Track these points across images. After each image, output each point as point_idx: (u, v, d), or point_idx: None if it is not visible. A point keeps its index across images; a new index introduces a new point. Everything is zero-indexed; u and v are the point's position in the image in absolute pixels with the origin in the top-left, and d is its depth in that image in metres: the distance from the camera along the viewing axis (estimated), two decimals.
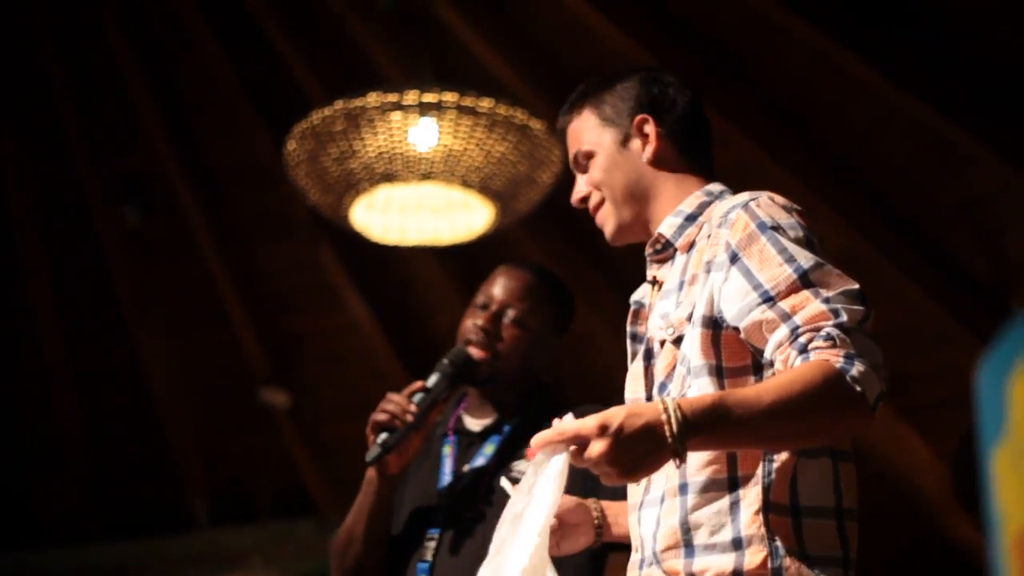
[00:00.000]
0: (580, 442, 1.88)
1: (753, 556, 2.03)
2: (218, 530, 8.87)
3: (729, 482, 2.08)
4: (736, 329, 2.09)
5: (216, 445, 8.74)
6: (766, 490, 2.05)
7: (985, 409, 1.20)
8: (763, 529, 2.03)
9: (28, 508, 9.06)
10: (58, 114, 7.63)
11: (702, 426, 1.87)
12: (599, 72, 6.22)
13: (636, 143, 2.36)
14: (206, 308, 8.31)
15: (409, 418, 2.86)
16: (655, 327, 2.25)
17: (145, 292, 8.33)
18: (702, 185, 2.36)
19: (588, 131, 2.40)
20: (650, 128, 2.34)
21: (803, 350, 1.99)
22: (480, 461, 2.95)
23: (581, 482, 2.45)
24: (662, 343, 2.22)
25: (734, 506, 2.06)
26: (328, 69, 7.11)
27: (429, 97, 4.89)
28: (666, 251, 2.31)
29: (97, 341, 8.57)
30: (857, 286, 2.06)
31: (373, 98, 4.93)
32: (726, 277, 2.11)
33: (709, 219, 2.23)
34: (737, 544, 2.05)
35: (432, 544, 2.89)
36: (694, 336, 2.14)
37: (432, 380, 2.93)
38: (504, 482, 2.51)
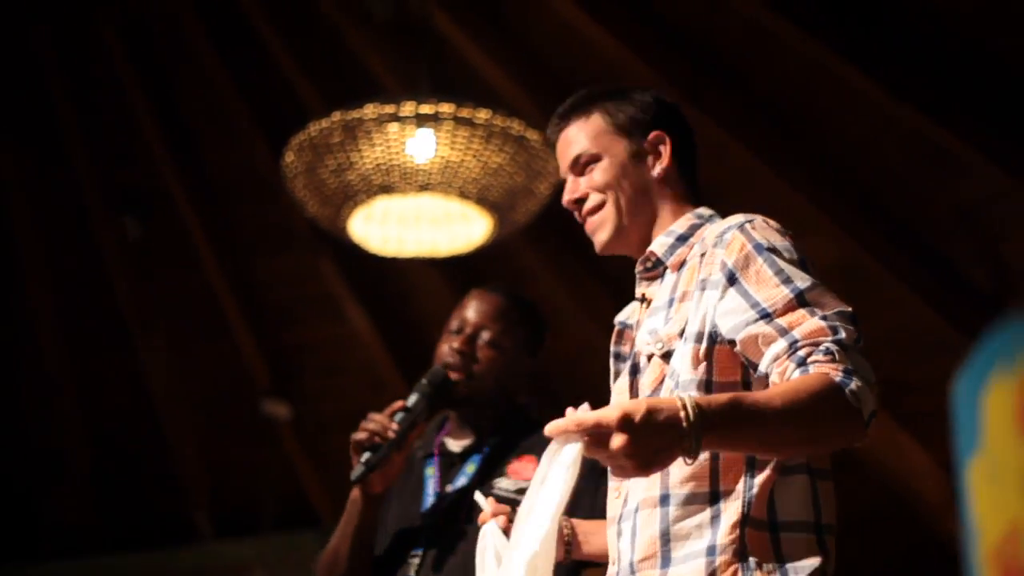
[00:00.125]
0: (600, 432, 1.86)
1: (724, 566, 2.07)
2: (221, 542, 8.86)
3: (711, 496, 2.11)
4: (731, 343, 2.13)
5: (218, 456, 8.74)
6: (746, 505, 2.09)
7: (960, 421, 1.21)
8: (737, 543, 2.07)
9: (30, 519, 9.06)
10: (59, 125, 7.64)
11: (717, 425, 1.88)
12: (597, 83, 6.24)
13: (647, 157, 2.40)
14: (207, 319, 8.32)
15: (391, 435, 2.91)
16: (643, 342, 2.28)
17: (146, 303, 8.33)
18: (693, 208, 2.39)
19: (597, 135, 2.42)
20: (665, 146, 2.39)
21: (802, 363, 2.02)
22: (462, 481, 3.02)
23: None
24: (649, 357, 2.24)
25: (714, 519, 2.10)
26: (327, 80, 7.13)
27: (426, 108, 4.90)
28: (656, 269, 2.35)
29: (99, 352, 8.58)
30: (850, 308, 2.11)
31: (370, 110, 4.94)
32: (722, 295, 2.15)
33: (700, 240, 2.28)
34: (711, 551, 2.08)
35: (415, 562, 2.93)
36: (686, 351, 2.17)
37: (412, 399, 2.99)
38: (478, 496, 2.53)
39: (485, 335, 3.10)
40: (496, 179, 5.08)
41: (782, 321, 2.07)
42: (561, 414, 1.96)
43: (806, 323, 2.06)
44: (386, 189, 5.09)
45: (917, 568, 6.90)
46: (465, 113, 4.91)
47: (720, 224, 2.27)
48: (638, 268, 2.39)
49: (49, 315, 8.41)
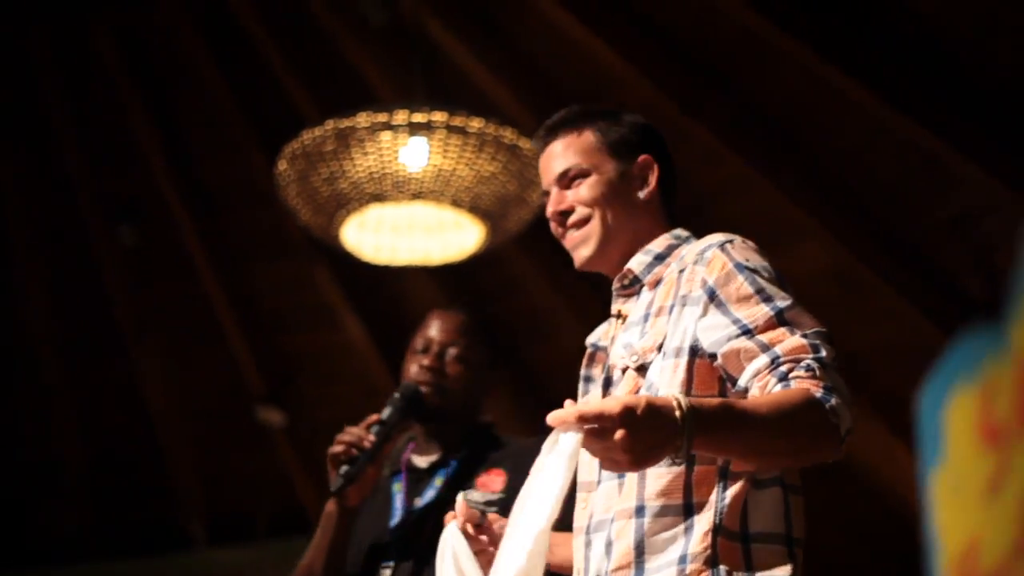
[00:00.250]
0: (600, 423, 1.88)
1: (694, 573, 2.10)
2: (216, 549, 8.86)
3: (684, 508, 2.14)
4: (711, 357, 2.17)
5: (213, 464, 8.74)
6: (718, 515, 2.12)
7: (924, 433, 1.22)
8: (709, 551, 2.10)
9: (26, 527, 9.06)
10: (55, 133, 7.65)
11: (708, 428, 1.92)
12: (592, 91, 6.25)
13: (634, 179, 2.46)
14: (202, 327, 8.32)
15: (367, 445, 2.98)
16: (617, 356, 2.32)
17: (142, 311, 8.34)
18: (670, 229, 2.46)
19: (588, 151, 2.45)
20: (653, 171, 2.47)
21: (783, 378, 2.07)
22: (430, 494, 3.09)
23: None
24: (624, 370, 2.28)
25: (687, 530, 2.13)
26: (322, 88, 7.14)
27: (419, 117, 4.91)
28: (633, 287, 2.40)
29: (94, 360, 8.59)
30: (826, 328, 2.16)
31: (363, 118, 4.95)
32: (704, 312, 2.20)
33: (678, 259, 2.34)
34: (682, 560, 2.11)
35: (387, 574, 2.96)
36: (666, 365, 2.21)
37: (386, 413, 3.06)
38: (460, 498, 2.56)
39: (452, 351, 3.20)
40: (489, 187, 5.09)
41: (763, 338, 2.12)
42: (534, 429, 1.98)
43: (787, 340, 2.10)
44: (379, 197, 5.10)
45: None
46: (458, 122, 4.92)
47: (699, 243, 2.33)
48: (615, 285, 2.42)
49: (45, 323, 8.41)
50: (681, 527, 2.13)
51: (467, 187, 5.06)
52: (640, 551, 2.15)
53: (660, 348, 2.23)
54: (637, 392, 2.22)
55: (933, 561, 1.19)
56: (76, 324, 8.48)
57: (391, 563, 3.01)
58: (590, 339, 2.47)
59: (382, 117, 4.92)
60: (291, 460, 8.42)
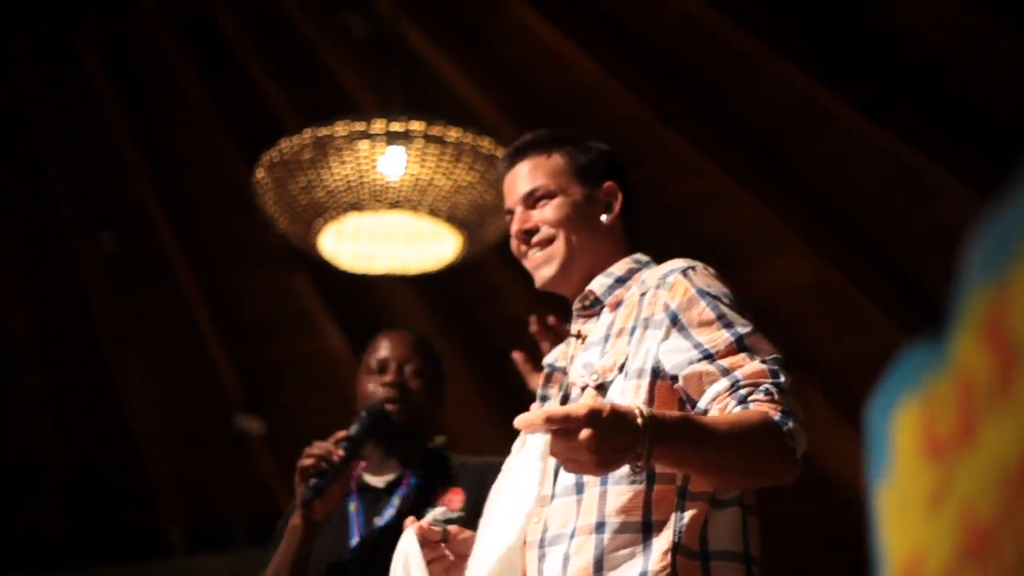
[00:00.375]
0: (567, 425, 1.91)
1: None
2: (194, 557, 8.85)
3: (644, 526, 2.18)
4: (672, 379, 2.22)
5: (192, 471, 8.73)
6: (677, 534, 2.16)
7: (871, 446, 1.22)
8: (669, 568, 2.14)
9: (5, 534, 9.04)
10: (35, 141, 7.64)
11: (668, 439, 1.97)
12: (572, 102, 6.26)
13: (600, 204, 2.51)
14: (182, 335, 8.32)
15: (336, 459, 3.00)
16: (576, 375, 2.37)
17: (122, 319, 8.33)
18: (631, 254, 2.51)
19: (556, 174, 2.50)
20: (618, 197, 2.52)
21: (742, 401, 2.13)
22: (390, 513, 3.11)
23: None
24: (583, 388, 2.33)
25: (647, 548, 2.17)
26: (304, 97, 7.14)
27: (396, 126, 4.91)
28: (593, 308, 2.45)
29: (74, 367, 8.57)
30: (782, 355, 2.22)
31: (341, 127, 4.95)
32: (666, 336, 2.25)
33: (639, 282, 2.39)
34: None
35: None
36: (628, 386, 2.26)
37: (353, 429, 3.09)
38: (430, 515, 2.56)
39: (409, 367, 3.25)
40: (466, 197, 5.09)
41: (724, 362, 2.18)
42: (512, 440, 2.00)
43: (747, 365, 2.16)
44: (356, 206, 5.10)
45: None
46: (436, 131, 4.92)
47: (660, 268, 2.38)
48: (576, 306, 2.47)
49: (24, 330, 8.39)
50: (640, 544, 2.17)
51: (444, 196, 5.06)
52: (599, 567, 2.18)
53: (622, 368, 2.28)
54: None
55: (880, 573, 1.20)
56: (56, 331, 8.46)
57: None
58: (547, 359, 2.52)
59: (360, 126, 4.92)
60: (270, 468, 8.41)
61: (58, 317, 8.43)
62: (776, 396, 2.10)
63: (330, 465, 2.99)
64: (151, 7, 7.10)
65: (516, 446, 2.00)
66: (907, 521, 1.17)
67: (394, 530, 2.94)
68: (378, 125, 4.91)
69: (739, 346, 2.19)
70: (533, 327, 3.10)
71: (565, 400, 2.37)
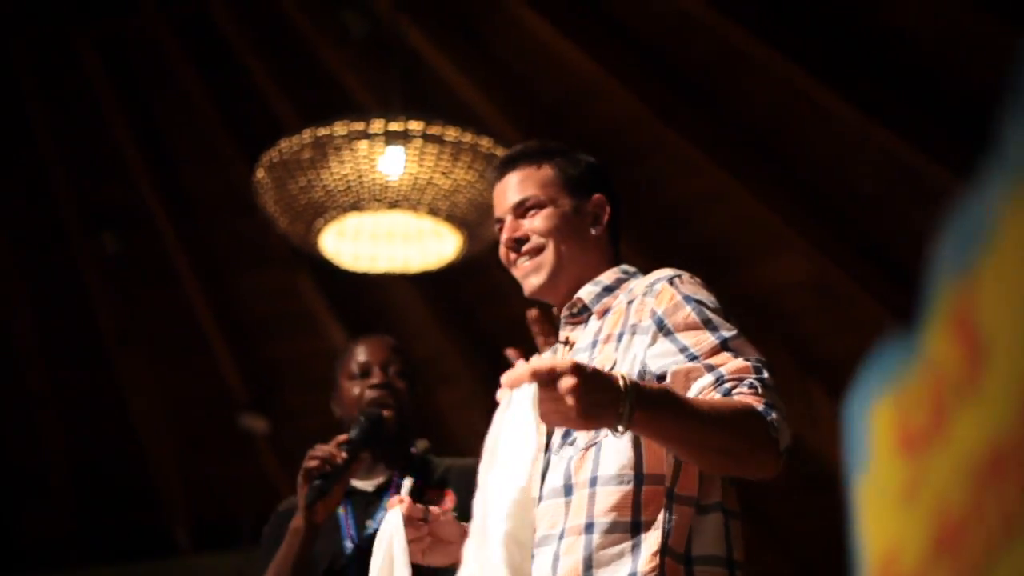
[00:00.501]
0: (552, 377, 1.93)
1: None
2: (200, 556, 8.86)
3: (633, 526, 2.22)
4: (660, 378, 2.26)
5: (197, 471, 8.74)
6: (666, 535, 2.20)
7: (850, 439, 1.23)
8: (657, 570, 2.17)
9: (11, 534, 9.06)
10: (36, 142, 7.65)
11: (648, 405, 2.00)
12: (571, 101, 6.26)
13: (588, 216, 2.56)
14: (186, 335, 8.33)
15: (339, 461, 3.02)
16: None
17: (125, 319, 8.34)
18: (617, 265, 2.57)
19: (546, 185, 2.55)
20: (606, 210, 2.58)
21: (727, 394, 2.17)
22: (382, 516, 3.08)
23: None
24: None
25: (635, 548, 2.20)
26: (304, 97, 7.15)
27: (395, 126, 4.92)
28: (581, 315, 2.50)
29: (78, 368, 8.58)
30: (765, 358, 2.27)
31: (340, 127, 4.96)
32: (652, 341, 2.30)
33: (626, 291, 2.44)
34: None
35: None
36: None
37: (354, 432, 3.12)
38: (406, 482, 2.60)
39: (392, 369, 3.29)
40: (465, 196, 5.11)
41: (709, 361, 2.22)
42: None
43: (731, 362, 2.21)
44: (356, 206, 5.11)
45: None
46: (434, 131, 4.93)
47: (647, 277, 2.44)
48: (564, 313, 2.52)
49: (28, 331, 8.41)
50: (629, 544, 2.20)
51: (444, 195, 5.08)
52: (588, 566, 2.21)
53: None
54: None
55: (857, 567, 1.21)
56: (60, 332, 8.47)
57: None
58: None
59: (359, 126, 4.93)
60: (274, 467, 8.42)
61: (61, 318, 8.44)
62: (760, 390, 2.15)
63: (333, 467, 3.01)
64: (150, 7, 7.11)
65: (502, 404, 2.00)
66: (884, 515, 1.17)
67: None
68: (377, 125, 4.93)
69: (723, 347, 2.24)
70: (533, 313, 3.12)
71: None
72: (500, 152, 5.06)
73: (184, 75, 7.35)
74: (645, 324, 2.31)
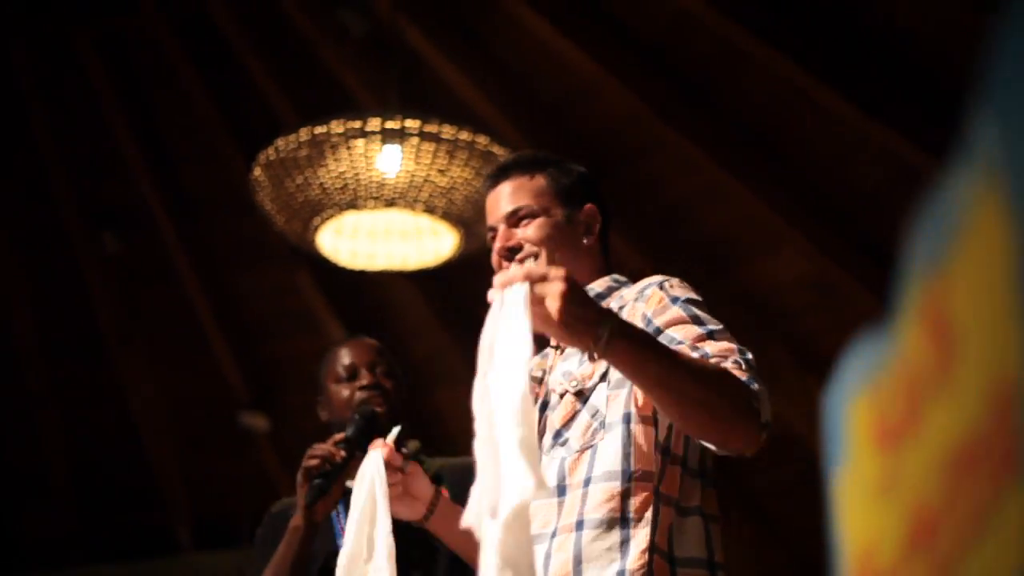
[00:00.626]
0: (545, 279, 1.98)
1: None
2: (201, 554, 8.87)
3: (622, 522, 2.25)
4: None
5: (197, 469, 8.75)
6: (653, 532, 2.23)
7: (829, 433, 1.23)
8: (646, 568, 2.21)
9: (11, 533, 9.07)
10: (37, 143, 7.66)
11: (630, 337, 2.05)
12: (570, 99, 6.25)
13: (580, 225, 2.60)
14: (186, 334, 8.33)
15: (338, 459, 3.02)
16: (556, 382, 2.45)
17: (126, 318, 8.35)
18: (608, 273, 2.62)
19: (539, 194, 2.58)
20: (597, 220, 2.61)
21: None
22: None
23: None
24: (562, 395, 2.41)
25: (624, 544, 2.23)
26: (303, 96, 7.15)
27: (392, 124, 4.92)
28: None
29: (79, 366, 8.59)
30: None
31: (336, 125, 4.97)
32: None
33: (618, 298, 2.49)
34: (620, 575, 2.21)
35: None
36: (612, 394, 2.35)
37: (350, 431, 3.11)
38: (394, 432, 2.64)
39: (379, 369, 3.30)
40: (462, 193, 5.11)
41: (695, 344, 2.27)
42: None
43: (716, 344, 2.25)
44: (353, 204, 5.11)
45: None
46: (431, 128, 4.94)
47: (638, 284, 2.49)
48: None
49: (28, 330, 8.41)
50: (618, 540, 2.23)
51: (441, 193, 5.08)
52: (578, 562, 2.24)
53: (603, 377, 2.36)
54: (574, 416, 2.36)
55: (836, 561, 1.21)
56: (59, 331, 8.48)
57: None
58: None
59: (355, 124, 4.94)
60: (275, 465, 8.43)
61: (62, 318, 8.45)
62: (743, 366, 2.18)
63: (333, 466, 3.01)
64: (150, 7, 7.11)
65: (494, 305, 2.02)
66: (861, 511, 1.18)
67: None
68: (373, 123, 4.93)
69: (709, 337, 2.28)
70: None
71: (544, 406, 2.44)
72: (497, 150, 5.07)
73: (184, 74, 7.36)
74: (636, 325, 2.34)
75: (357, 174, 4.99)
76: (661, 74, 6.24)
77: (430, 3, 6.60)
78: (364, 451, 3.21)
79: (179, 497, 8.85)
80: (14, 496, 9.01)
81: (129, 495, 8.92)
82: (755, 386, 2.15)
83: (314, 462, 3.01)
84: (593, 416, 2.34)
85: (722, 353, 2.22)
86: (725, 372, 2.14)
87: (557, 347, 2.53)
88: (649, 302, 2.37)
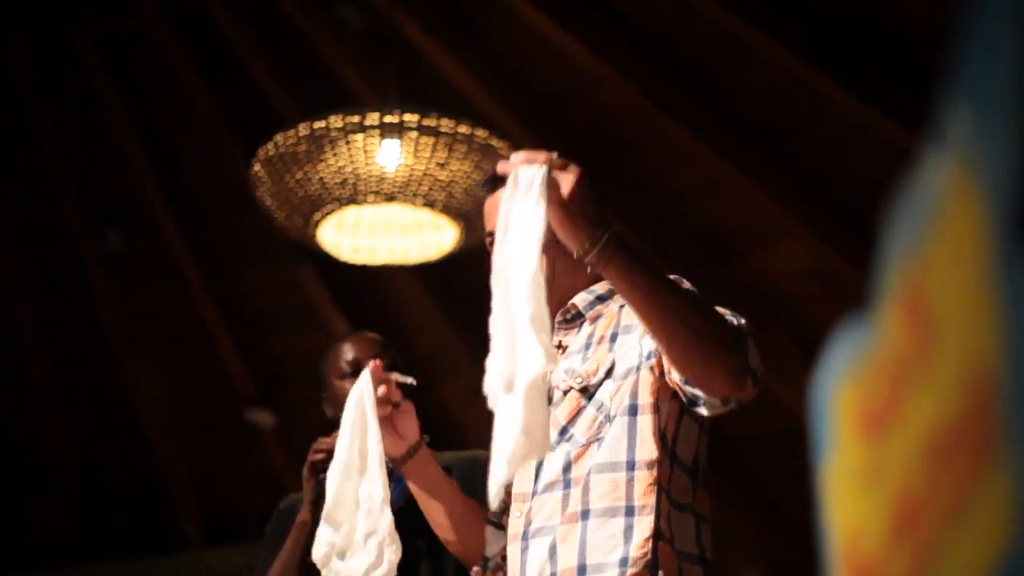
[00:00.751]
0: (564, 165, 2.05)
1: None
2: (209, 550, 8.88)
3: (626, 510, 2.26)
4: (651, 354, 2.30)
5: (204, 466, 8.76)
6: (657, 519, 2.25)
7: (816, 421, 1.24)
8: (649, 555, 2.22)
9: (19, 531, 9.09)
10: (38, 142, 7.66)
11: (626, 248, 2.09)
12: (568, 91, 6.24)
13: None
14: (191, 331, 8.34)
15: None
16: (558, 379, 2.44)
17: (130, 316, 8.36)
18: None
19: None
20: None
21: None
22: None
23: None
24: (565, 392, 2.41)
25: (628, 531, 2.24)
26: (304, 92, 7.15)
27: (391, 118, 4.92)
28: (575, 321, 2.53)
29: (84, 365, 8.60)
30: None
31: (335, 120, 4.96)
32: (644, 334, 2.33)
33: (618, 300, 2.47)
34: (623, 563, 2.23)
35: None
36: (617, 386, 2.34)
37: None
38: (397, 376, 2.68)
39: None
40: (462, 187, 5.11)
41: None
42: None
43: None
44: (353, 199, 5.11)
45: None
46: (430, 122, 4.93)
47: None
48: (558, 319, 2.53)
49: (33, 328, 8.43)
50: (622, 527, 2.24)
51: (441, 187, 5.08)
52: (584, 553, 2.26)
53: (609, 373, 2.36)
54: (579, 412, 2.37)
55: (825, 548, 1.21)
56: (64, 329, 8.49)
57: None
58: None
59: (354, 119, 4.93)
60: (281, 460, 8.44)
61: (66, 316, 8.46)
62: (735, 321, 2.22)
63: None
64: (149, 6, 7.12)
65: (509, 183, 2.07)
66: (847, 499, 1.18)
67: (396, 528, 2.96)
68: (372, 117, 4.93)
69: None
70: None
71: (547, 403, 2.43)
72: (496, 143, 5.06)
73: (184, 72, 7.36)
74: (637, 321, 2.33)
75: (356, 169, 4.99)
76: (661, 66, 6.24)
77: None
78: None
79: (186, 493, 8.86)
80: (21, 494, 9.02)
81: (136, 492, 8.93)
82: (748, 335, 2.18)
83: (320, 456, 3.03)
84: (598, 410, 2.34)
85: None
86: (717, 312, 2.18)
87: (559, 346, 2.51)
88: None
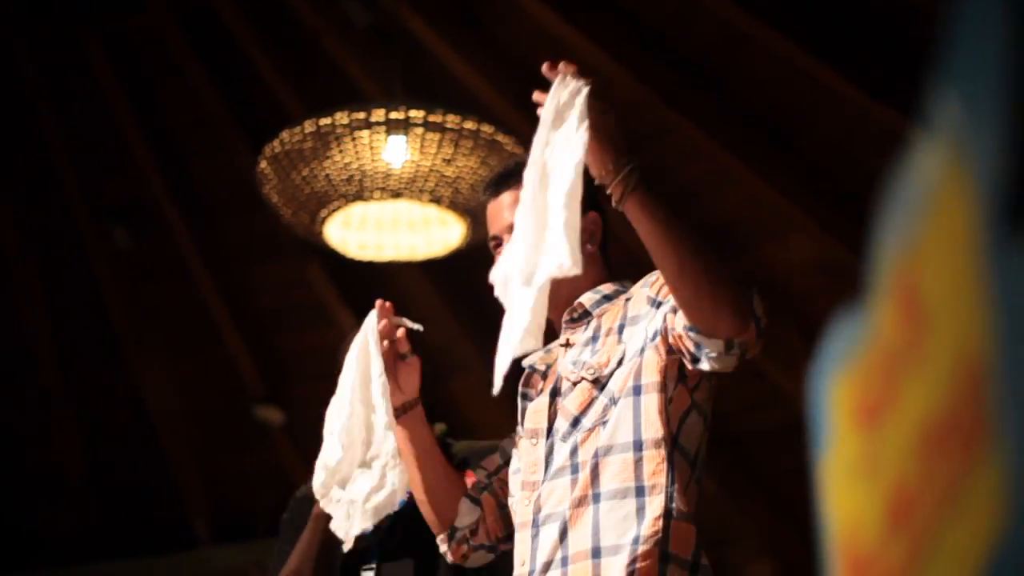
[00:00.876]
0: (604, 88, 2.16)
1: (644, 556, 2.24)
2: (218, 548, 8.89)
3: (637, 490, 2.28)
4: (654, 336, 2.33)
5: (213, 463, 8.77)
6: (668, 498, 2.26)
7: (813, 412, 1.24)
8: (660, 533, 2.24)
9: (29, 529, 9.10)
10: (46, 142, 7.67)
11: (649, 185, 2.18)
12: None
13: (583, 233, 2.57)
14: (200, 328, 8.35)
15: None
16: (566, 370, 2.46)
17: (139, 314, 8.36)
18: (610, 281, 2.62)
19: None
20: (599, 227, 2.61)
21: None
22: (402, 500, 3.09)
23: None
24: (575, 383, 2.42)
25: (640, 511, 2.27)
26: (310, 89, 7.15)
27: (396, 114, 4.92)
28: (582, 320, 2.54)
29: (93, 364, 8.61)
30: None
31: (341, 116, 4.97)
32: (651, 319, 2.37)
33: (624, 298, 2.50)
34: (635, 541, 2.25)
35: (370, 574, 2.98)
36: (629, 365, 2.37)
37: None
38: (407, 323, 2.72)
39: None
40: (468, 183, 5.11)
41: None
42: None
43: None
44: (359, 196, 5.11)
45: None
46: (435, 118, 4.93)
47: (642, 279, 2.51)
48: (565, 317, 2.54)
49: (42, 327, 8.43)
50: (633, 508, 2.27)
51: (447, 183, 5.08)
52: (597, 535, 2.27)
53: (620, 363, 2.38)
54: (591, 403, 2.38)
55: (823, 541, 1.21)
56: (73, 328, 8.50)
57: (372, 565, 3.04)
58: (526, 362, 2.56)
59: (360, 115, 4.93)
60: (290, 457, 8.44)
61: (75, 315, 8.46)
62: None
63: None
64: (155, 3, 7.12)
65: (555, 84, 2.17)
66: (845, 491, 1.18)
67: (408, 516, 2.96)
68: (378, 114, 4.93)
69: None
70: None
71: (556, 393, 2.46)
72: (502, 138, 5.07)
73: (191, 70, 7.36)
74: (644, 311, 2.38)
75: (363, 165, 4.99)
76: (665, 59, 6.24)
77: None
78: None
79: (194, 491, 8.87)
80: (32, 493, 9.04)
81: (144, 490, 8.94)
82: (751, 283, 2.24)
83: None
84: (609, 399, 2.36)
85: None
86: (724, 264, 2.23)
87: (566, 344, 2.53)
88: (653, 286, 2.39)
